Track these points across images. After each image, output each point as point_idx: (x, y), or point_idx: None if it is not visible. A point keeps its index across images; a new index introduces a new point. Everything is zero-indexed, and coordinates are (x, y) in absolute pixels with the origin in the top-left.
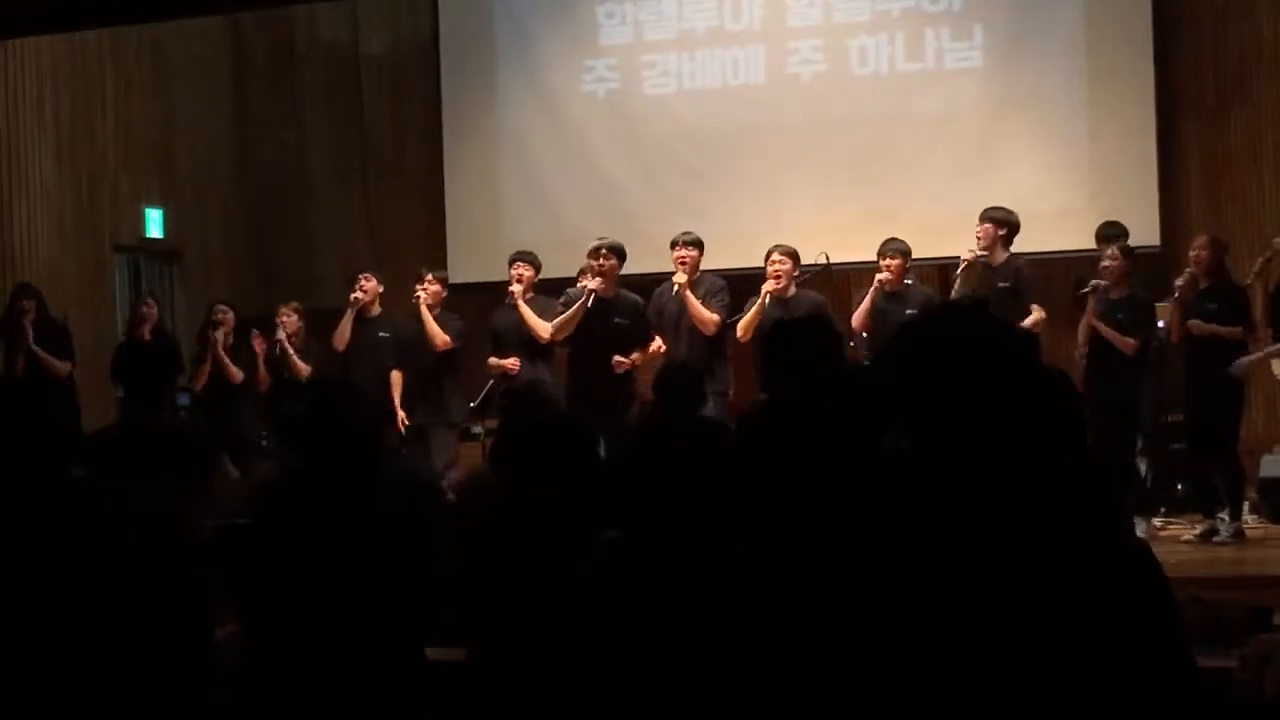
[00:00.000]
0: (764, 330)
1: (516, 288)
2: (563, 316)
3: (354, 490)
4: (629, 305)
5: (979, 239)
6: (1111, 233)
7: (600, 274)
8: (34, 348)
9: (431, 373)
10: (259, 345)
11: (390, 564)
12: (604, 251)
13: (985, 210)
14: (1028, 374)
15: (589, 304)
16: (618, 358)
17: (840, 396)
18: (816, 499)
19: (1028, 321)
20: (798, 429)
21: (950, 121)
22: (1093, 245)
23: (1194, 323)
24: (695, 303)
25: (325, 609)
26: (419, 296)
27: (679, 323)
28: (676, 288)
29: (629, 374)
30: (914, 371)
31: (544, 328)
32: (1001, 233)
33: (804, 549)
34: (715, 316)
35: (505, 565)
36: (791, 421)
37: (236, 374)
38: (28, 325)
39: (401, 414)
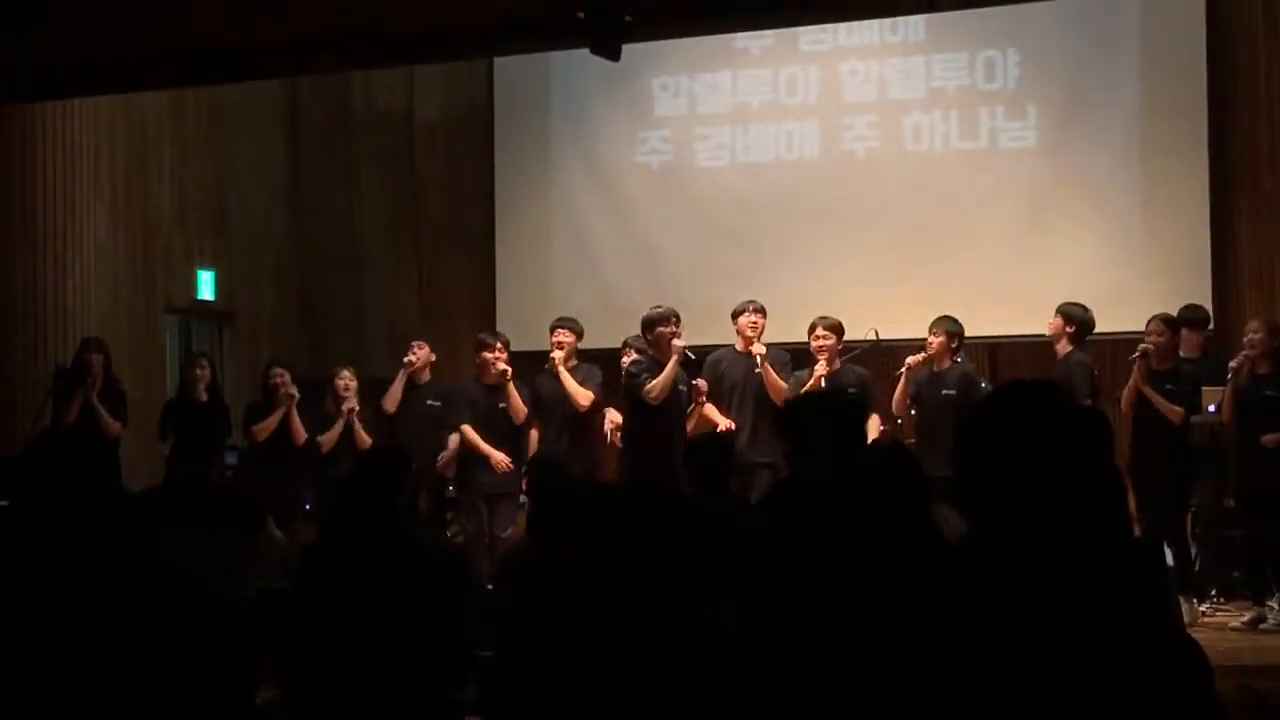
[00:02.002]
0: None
1: (557, 354)
2: (661, 378)
3: (386, 556)
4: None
5: (1050, 332)
6: (1193, 316)
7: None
8: (95, 402)
9: (504, 443)
10: (345, 410)
11: (421, 628)
12: (676, 318)
13: (1061, 306)
14: (1100, 457)
15: (682, 362)
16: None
17: (866, 472)
18: (843, 577)
19: None
20: (820, 506)
21: (1003, 200)
22: (1142, 327)
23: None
24: (773, 373)
25: (362, 673)
26: (506, 370)
27: (744, 390)
28: (758, 359)
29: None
30: (979, 451)
31: (584, 395)
32: (1070, 329)
33: (829, 628)
34: (786, 385)
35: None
36: (814, 498)
37: (302, 434)
38: (98, 375)
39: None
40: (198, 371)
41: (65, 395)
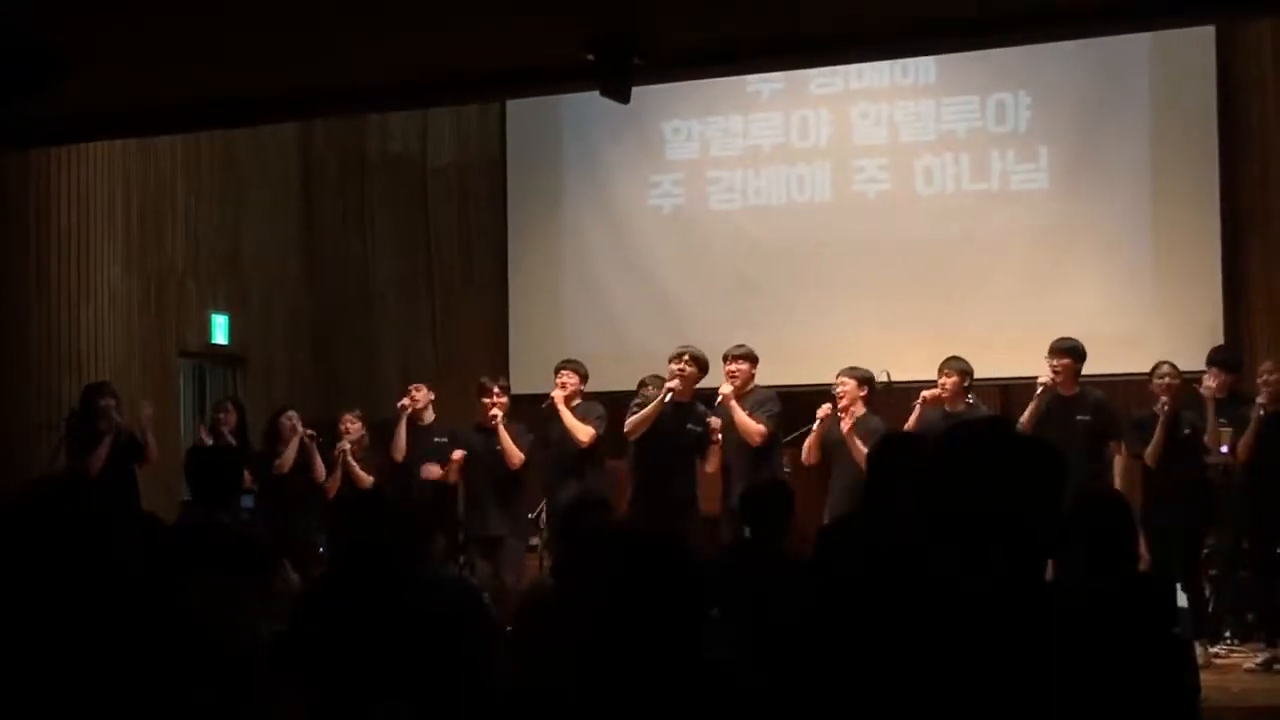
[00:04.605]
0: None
1: (558, 393)
2: (639, 415)
3: (395, 598)
4: (702, 415)
5: (1056, 372)
6: (1227, 359)
7: (679, 377)
8: (147, 434)
9: (505, 486)
10: (338, 451)
11: (434, 670)
12: (686, 357)
13: (1057, 343)
14: (1048, 488)
15: (665, 403)
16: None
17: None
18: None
19: (1120, 468)
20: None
21: (1014, 242)
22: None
23: None
24: (740, 412)
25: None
26: (495, 415)
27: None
28: (720, 398)
29: (692, 478)
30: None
31: (584, 432)
32: (1078, 366)
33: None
34: (760, 427)
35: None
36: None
37: (322, 470)
38: (115, 418)
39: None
40: (222, 414)
41: (78, 440)
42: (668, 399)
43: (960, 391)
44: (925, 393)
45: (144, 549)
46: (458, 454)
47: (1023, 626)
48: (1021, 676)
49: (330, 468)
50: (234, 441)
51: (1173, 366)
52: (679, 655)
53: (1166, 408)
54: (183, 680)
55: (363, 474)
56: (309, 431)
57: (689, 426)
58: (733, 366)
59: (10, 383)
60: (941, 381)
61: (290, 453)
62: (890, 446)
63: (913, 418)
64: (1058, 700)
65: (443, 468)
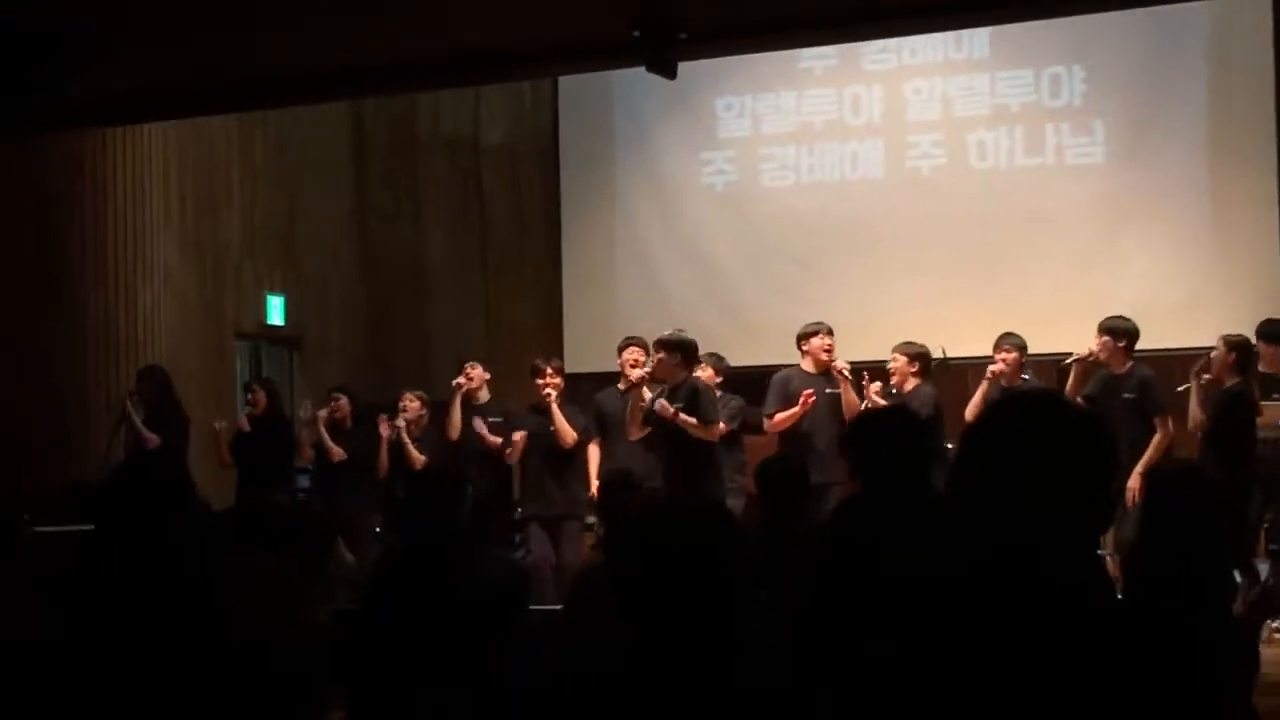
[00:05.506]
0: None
1: (550, 392)
2: (629, 419)
3: (450, 577)
4: (688, 389)
5: (1098, 351)
6: (1271, 331)
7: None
8: (134, 420)
9: (559, 465)
10: (385, 430)
11: (486, 649)
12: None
13: (1103, 322)
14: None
15: (644, 399)
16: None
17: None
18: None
19: (1155, 440)
20: (887, 519)
21: (1070, 216)
22: (1211, 343)
23: None
24: (850, 391)
25: (427, 696)
26: (549, 394)
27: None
28: (839, 376)
29: (708, 457)
30: (988, 461)
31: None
32: (1121, 344)
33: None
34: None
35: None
36: (881, 511)
37: (337, 452)
38: (137, 400)
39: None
40: (249, 398)
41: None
42: (652, 399)
43: (1018, 367)
44: (992, 368)
45: (194, 535)
46: (519, 435)
47: (1070, 605)
48: (1065, 656)
49: (390, 448)
50: (255, 425)
51: (1226, 341)
52: (722, 622)
53: (1200, 372)
54: (236, 664)
55: (416, 453)
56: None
57: (675, 405)
58: (829, 341)
59: (68, 366)
60: (1002, 357)
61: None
62: (865, 422)
63: (979, 393)
64: (1104, 682)
65: (501, 447)
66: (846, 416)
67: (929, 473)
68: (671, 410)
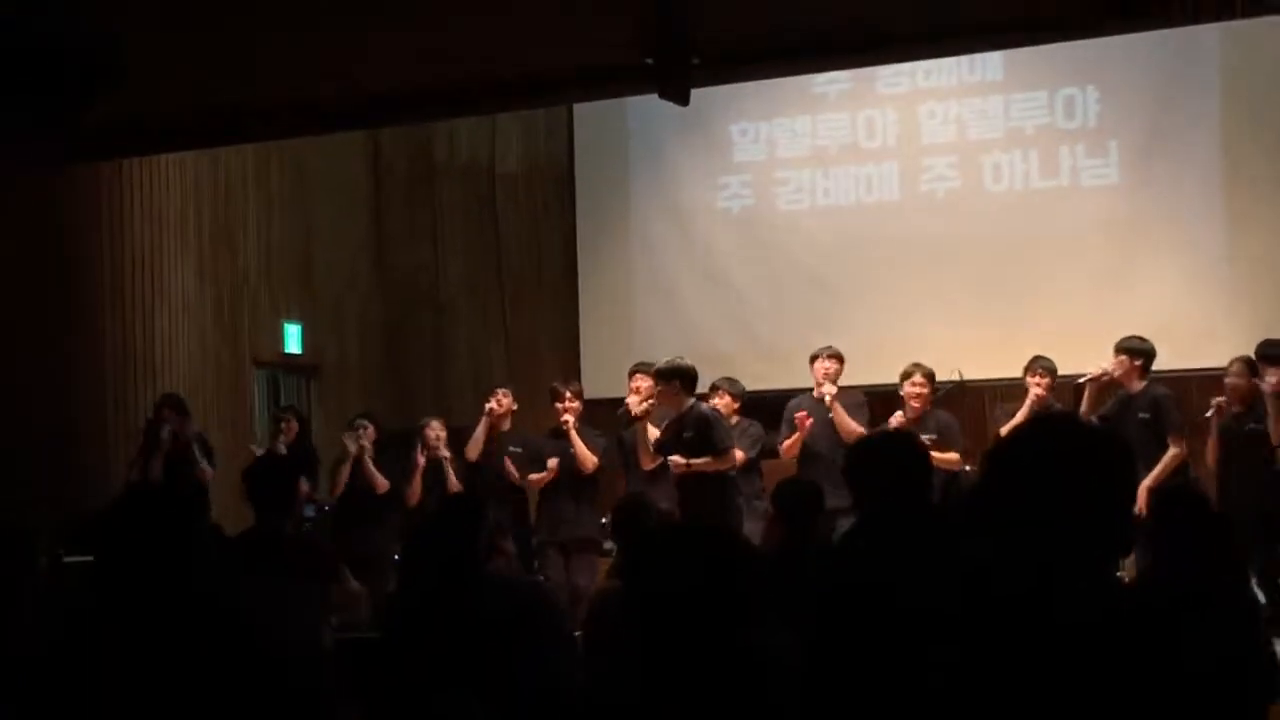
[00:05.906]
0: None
1: (568, 418)
2: (642, 452)
3: (468, 598)
4: (696, 418)
5: (1114, 370)
6: (1272, 352)
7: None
8: (193, 449)
9: (578, 490)
10: (422, 459)
11: (502, 669)
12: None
13: (1120, 341)
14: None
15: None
16: (675, 459)
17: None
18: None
19: (1166, 457)
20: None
21: (1085, 238)
22: (1225, 363)
23: None
24: (843, 414)
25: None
26: (567, 420)
27: (820, 435)
28: (826, 400)
29: (722, 483)
30: (1013, 483)
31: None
32: (1138, 363)
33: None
34: (857, 427)
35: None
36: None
37: (383, 483)
38: (174, 430)
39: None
40: (282, 426)
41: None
42: (658, 440)
43: (1049, 391)
44: (1035, 393)
45: (205, 559)
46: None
47: (1091, 625)
48: (1088, 675)
49: (411, 475)
50: (284, 451)
51: (1243, 364)
52: (736, 640)
53: (1219, 409)
54: (238, 684)
55: (456, 482)
56: (364, 444)
57: (685, 435)
58: (829, 365)
59: (87, 393)
60: (1036, 380)
61: (342, 476)
62: (866, 446)
63: (1020, 415)
64: (1125, 701)
65: (536, 478)
66: (845, 440)
67: (929, 498)
68: (684, 463)
